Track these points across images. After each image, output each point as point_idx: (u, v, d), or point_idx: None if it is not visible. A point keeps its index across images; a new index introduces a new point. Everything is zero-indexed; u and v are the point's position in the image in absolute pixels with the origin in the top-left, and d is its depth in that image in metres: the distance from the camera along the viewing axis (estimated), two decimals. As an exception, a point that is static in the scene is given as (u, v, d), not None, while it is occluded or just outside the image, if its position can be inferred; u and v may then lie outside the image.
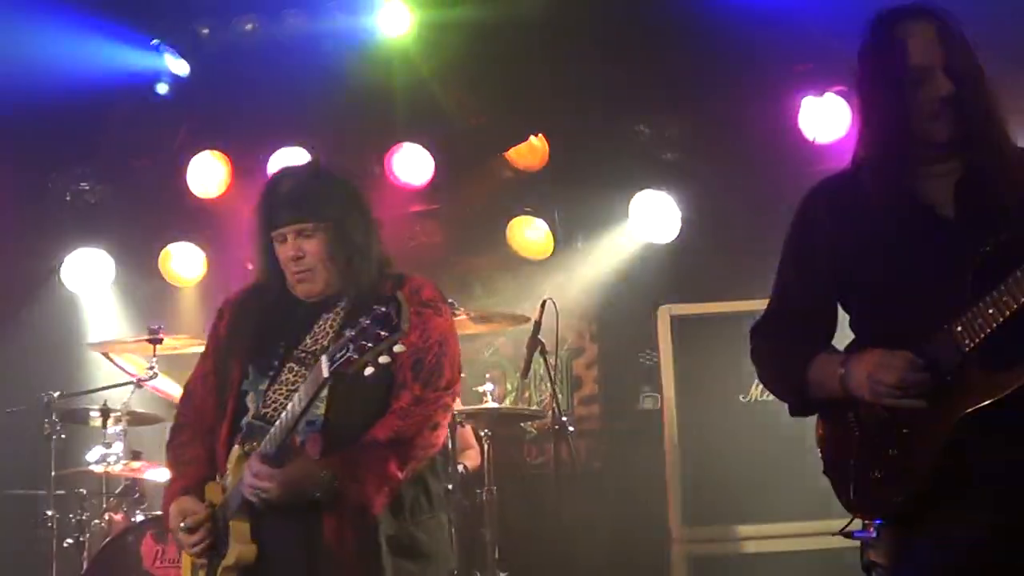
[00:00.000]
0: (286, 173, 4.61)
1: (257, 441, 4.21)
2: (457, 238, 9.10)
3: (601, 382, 8.99)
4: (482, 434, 7.44)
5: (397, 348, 3.77)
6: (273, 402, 4.30)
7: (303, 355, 4.35)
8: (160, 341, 7.47)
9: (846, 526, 5.31)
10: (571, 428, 7.40)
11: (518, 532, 8.20)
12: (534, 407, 8.46)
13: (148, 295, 9.66)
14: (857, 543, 4.38)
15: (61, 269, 9.45)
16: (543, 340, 7.22)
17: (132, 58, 8.89)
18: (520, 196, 8.97)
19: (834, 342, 3.79)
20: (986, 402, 3.39)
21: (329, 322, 4.39)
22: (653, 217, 8.62)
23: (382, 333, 3.73)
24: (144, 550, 6.92)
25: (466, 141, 9.03)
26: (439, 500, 4.55)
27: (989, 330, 3.40)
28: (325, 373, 3.87)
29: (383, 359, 3.78)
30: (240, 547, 4.25)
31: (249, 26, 8.80)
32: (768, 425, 7.01)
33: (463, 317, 7.22)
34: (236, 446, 4.32)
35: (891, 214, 3.62)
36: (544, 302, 7.33)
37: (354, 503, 4.18)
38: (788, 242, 3.89)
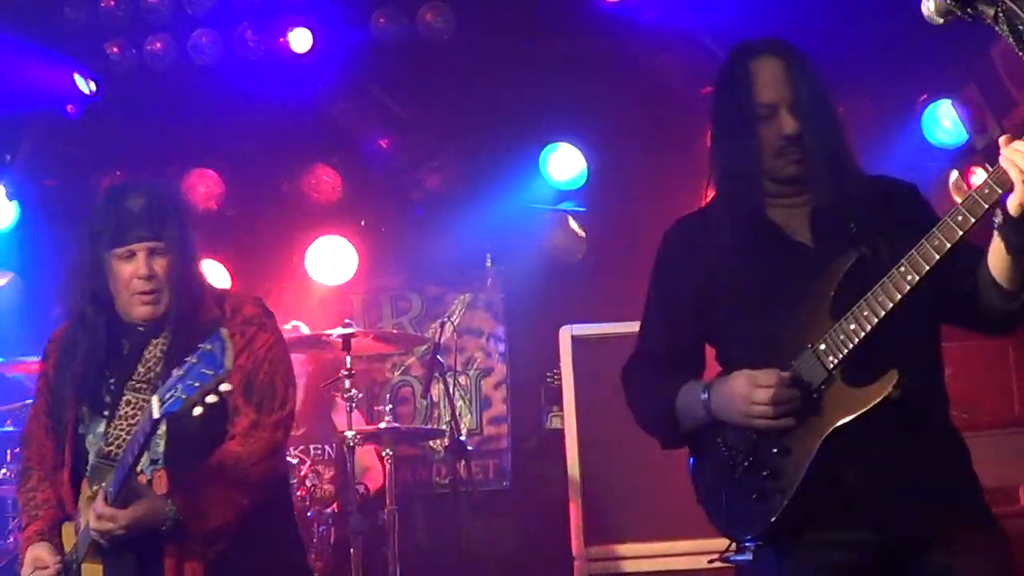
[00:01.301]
0: (133, 190, 4.40)
1: (105, 481, 4.13)
2: (365, 258, 9.07)
3: (509, 402, 9.00)
4: (384, 454, 7.42)
5: (223, 387, 3.73)
6: (115, 439, 4.24)
7: (138, 384, 4.29)
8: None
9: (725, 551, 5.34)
10: (469, 448, 7.39)
11: (421, 551, 8.20)
12: (443, 427, 8.45)
13: (59, 315, 9.51)
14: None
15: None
16: (441, 360, 7.21)
17: (42, 78, 8.82)
18: (428, 216, 8.97)
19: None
20: (852, 417, 3.44)
21: (159, 347, 4.31)
22: (561, 237, 8.65)
23: (208, 372, 3.70)
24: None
25: (375, 162, 9.02)
26: (288, 504, 4.63)
27: (852, 345, 3.45)
28: (156, 415, 3.79)
29: (210, 399, 3.74)
30: None
31: (159, 46, 8.76)
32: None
33: (360, 338, 7.22)
34: (84, 486, 4.26)
35: (748, 242, 3.67)
36: (442, 323, 7.33)
37: (199, 536, 4.13)
38: (651, 284, 3.93)
